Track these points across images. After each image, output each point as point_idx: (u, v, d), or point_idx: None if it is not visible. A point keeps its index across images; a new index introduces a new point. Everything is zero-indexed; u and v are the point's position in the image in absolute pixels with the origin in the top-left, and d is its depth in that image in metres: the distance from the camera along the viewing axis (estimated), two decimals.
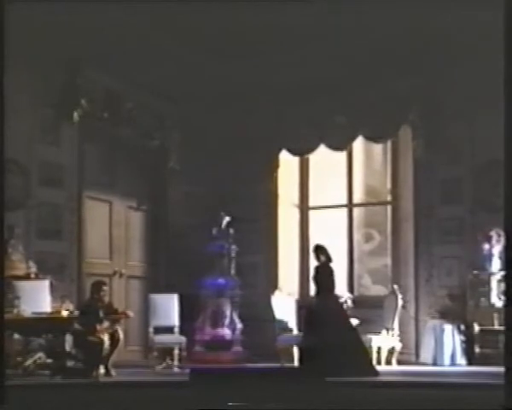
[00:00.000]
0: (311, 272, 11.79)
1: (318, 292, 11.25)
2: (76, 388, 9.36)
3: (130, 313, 11.14)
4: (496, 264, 12.29)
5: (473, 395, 8.10)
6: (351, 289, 14.14)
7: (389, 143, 14.25)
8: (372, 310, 12.96)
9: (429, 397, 8.45)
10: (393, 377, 10.87)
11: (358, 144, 14.42)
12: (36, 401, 8.12)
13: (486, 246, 12.41)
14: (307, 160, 14.94)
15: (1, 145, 6.91)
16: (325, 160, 14.58)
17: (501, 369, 6.67)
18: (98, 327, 10.23)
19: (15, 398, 7.94)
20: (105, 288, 10.74)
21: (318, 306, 11.12)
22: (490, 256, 12.35)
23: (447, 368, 12.07)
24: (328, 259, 11.38)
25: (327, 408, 7.73)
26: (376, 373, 10.52)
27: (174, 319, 12.16)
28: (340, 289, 13.43)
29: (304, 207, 15.13)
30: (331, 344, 10.49)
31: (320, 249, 11.46)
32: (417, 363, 12.72)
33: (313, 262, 11.72)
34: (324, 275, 11.27)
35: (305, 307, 11.81)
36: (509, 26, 6.63)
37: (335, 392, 8.68)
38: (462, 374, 10.98)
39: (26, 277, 10.75)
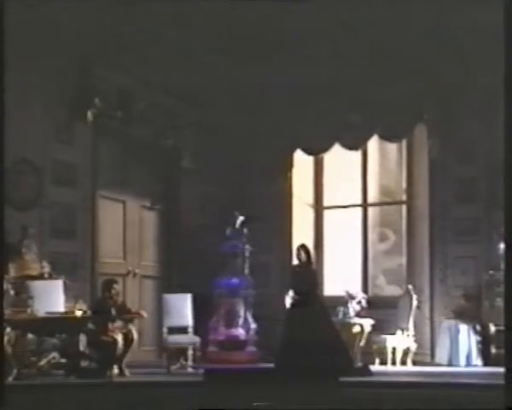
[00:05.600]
0: (291, 272, 11.85)
1: (296, 292, 11.24)
2: (90, 388, 9.36)
3: (144, 313, 11.11)
4: None
5: (486, 396, 8.06)
6: (365, 289, 14.08)
7: (404, 143, 14.19)
8: (387, 310, 12.94)
9: (442, 397, 8.41)
10: (409, 377, 10.82)
11: (373, 144, 14.35)
12: (50, 401, 8.12)
13: (502, 245, 12.31)
14: (322, 159, 14.89)
15: (1, 145, 6.88)
16: (340, 159, 14.53)
17: None
18: (111, 326, 10.21)
19: (29, 398, 7.96)
20: (116, 286, 10.70)
21: (298, 306, 11.12)
22: None
23: (462, 369, 12.00)
24: (309, 260, 11.40)
25: (337, 408, 7.70)
26: (359, 374, 10.43)
27: (188, 319, 12.10)
28: (355, 289, 13.45)
29: (318, 207, 15.08)
30: (311, 345, 10.46)
31: (304, 249, 11.44)
32: (433, 363, 12.65)
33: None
34: (304, 275, 11.24)
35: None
36: (510, 25, 6.57)
37: (346, 392, 8.66)
38: (478, 375, 10.91)
39: (40, 277, 10.72)
